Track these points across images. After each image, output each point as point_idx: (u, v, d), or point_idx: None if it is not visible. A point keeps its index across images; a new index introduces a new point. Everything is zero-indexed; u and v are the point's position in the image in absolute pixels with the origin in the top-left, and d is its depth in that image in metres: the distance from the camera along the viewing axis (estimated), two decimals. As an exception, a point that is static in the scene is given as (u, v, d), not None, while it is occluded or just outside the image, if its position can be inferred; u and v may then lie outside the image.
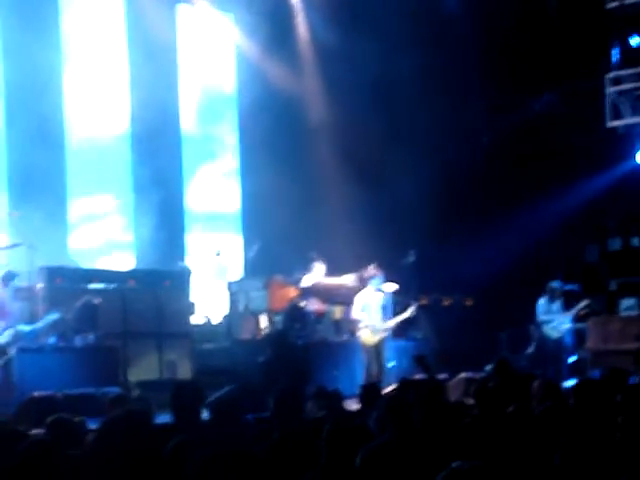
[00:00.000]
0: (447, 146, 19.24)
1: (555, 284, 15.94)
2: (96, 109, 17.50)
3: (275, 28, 19.68)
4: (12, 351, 12.10)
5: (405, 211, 18.67)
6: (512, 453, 4.96)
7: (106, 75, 17.72)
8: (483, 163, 19.79)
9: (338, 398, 7.93)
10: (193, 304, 15.76)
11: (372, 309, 14.38)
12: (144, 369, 13.82)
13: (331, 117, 19.73)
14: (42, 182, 15.84)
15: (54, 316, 12.75)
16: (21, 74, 15.92)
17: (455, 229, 19.18)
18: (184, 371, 14.29)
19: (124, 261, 17.63)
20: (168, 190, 18.19)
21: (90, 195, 17.44)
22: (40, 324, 12.76)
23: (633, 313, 17.42)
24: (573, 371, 15.58)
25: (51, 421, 6.40)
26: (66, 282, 13.64)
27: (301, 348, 14.86)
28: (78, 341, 12.95)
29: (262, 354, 14.01)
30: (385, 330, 14.41)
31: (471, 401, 7.46)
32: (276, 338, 14.67)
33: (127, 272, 15.79)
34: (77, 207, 17.26)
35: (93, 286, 13.90)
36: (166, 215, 17.77)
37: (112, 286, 14.10)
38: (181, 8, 19.14)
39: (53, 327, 12.74)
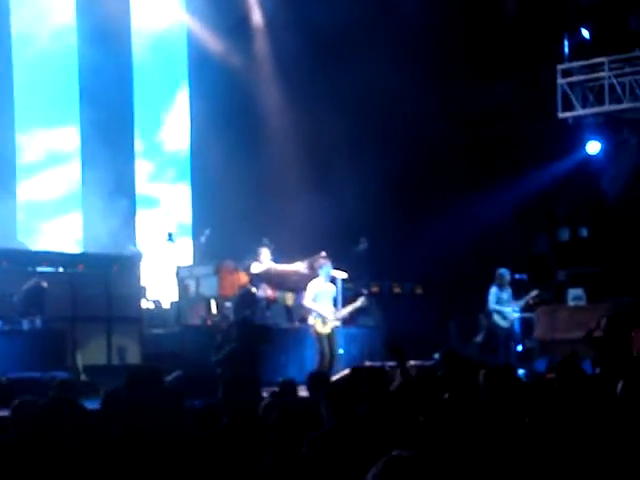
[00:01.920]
0: (399, 134, 19.27)
1: (502, 271, 15.96)
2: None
3: (228, 12, 19.56)
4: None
5: (356, 198, 18.68)
6: (454, 441, 4.98)
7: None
8: (434, 152, 19.84)
9: (291, 386, 7.89)
10: (143, 288, 15.65)
11: (324, 299, 14.32)
12: (92, 353, 13.68)
13: (284, 103, 19.67)
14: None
15: None
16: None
17: (406, 217, 19.23)
18: (133, 356, 14.18)
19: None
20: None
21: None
22: None
23: (581, 303, 17.59)
24: (521, 360, 15.70)
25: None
26: (13, 265, 13.48)
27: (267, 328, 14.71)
28: (25, 324, 12.81)
29: (226, 344, 13.58)
30: (337, 320, 14.40)
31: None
32: (240, 326, 14.29)
33: (76, 255, 15.68)
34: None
35: (41, 269, 13.74)
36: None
37: (60, 269, 13.96)
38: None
39: None
